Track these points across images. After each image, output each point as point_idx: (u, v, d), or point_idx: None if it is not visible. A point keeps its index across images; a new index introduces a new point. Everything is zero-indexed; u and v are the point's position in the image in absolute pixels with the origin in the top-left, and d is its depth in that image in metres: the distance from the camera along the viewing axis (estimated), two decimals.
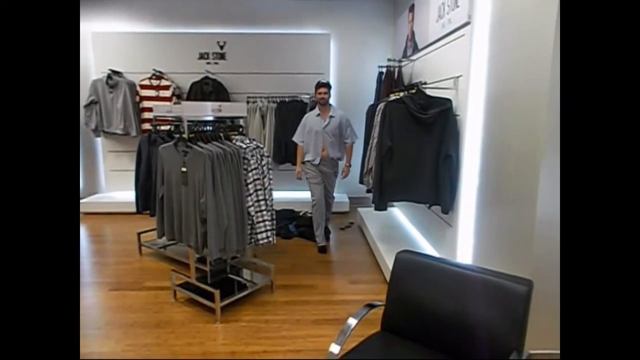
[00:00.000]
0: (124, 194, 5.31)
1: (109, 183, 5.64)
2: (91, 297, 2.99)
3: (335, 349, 1.61)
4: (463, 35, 2.79)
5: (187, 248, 2.74)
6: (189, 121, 2.64)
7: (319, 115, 3.81)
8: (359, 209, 4.80)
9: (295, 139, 3.91)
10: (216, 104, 2.79)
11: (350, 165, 3.91)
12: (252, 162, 2.70)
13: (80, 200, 5.31)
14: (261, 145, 2.86)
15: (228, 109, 2.90)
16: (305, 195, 5.03)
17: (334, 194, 4.16)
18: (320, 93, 3.76)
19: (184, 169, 2.53)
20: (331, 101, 6.23)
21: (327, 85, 3.79)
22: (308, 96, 5.17)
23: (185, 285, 2.89)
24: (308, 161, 3.84)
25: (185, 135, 2.56)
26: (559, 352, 2.02)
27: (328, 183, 3.94)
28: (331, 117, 3.79)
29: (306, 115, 3.93)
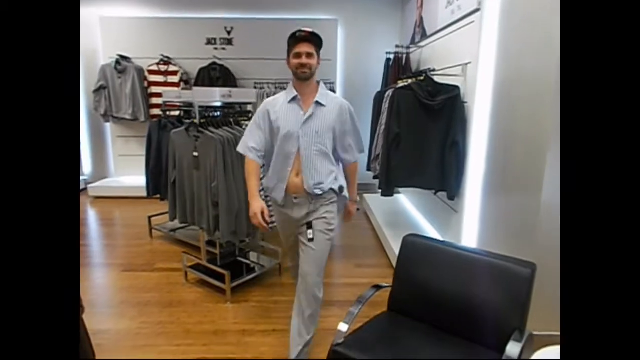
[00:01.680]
0: (133, 179, 5.39)
1: (118, 168, 5.72)
2: (104, 278, 3.09)
3: (343, 327, 1.68)
4: (472, 22, 2.78)
5: (197, 231, 2.82)
6: (198, 107, 2.68)
7: (294, 100, 1.91)
8: (365, 195, 4.85)
9: (240, 148, 2.00)
10: (226, 90, 2.83)
11: (357, 200, 2.14)
12: None
13: (90, 185, 5.41)
14: None
15: (238, 95, 2.94)
16: None
17: (322, 279, 1.96)
18: (298, 56, 1.84)
19: (195, 154, 2.59)
20: (337, 88, 6.12)
21: (313, 39, 1.87)
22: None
23: (196, 267, 2.97)
24: (263, 192, 2.10)
25: (196, 121, 2.60)
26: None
27: (304, 244, 1.93)
28: (318, 104, 1.90)
29: (266, 101, 2.00)
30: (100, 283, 3.01)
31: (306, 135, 1.89)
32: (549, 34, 1.95)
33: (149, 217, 3.98)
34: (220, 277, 2.75)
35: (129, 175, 5.60)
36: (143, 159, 3.81)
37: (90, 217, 4.69)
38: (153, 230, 3.96)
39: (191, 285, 2.94)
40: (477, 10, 2.69)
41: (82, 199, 5.20)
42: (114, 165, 5.76)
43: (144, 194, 3.82)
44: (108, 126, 5.64)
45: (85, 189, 5.45)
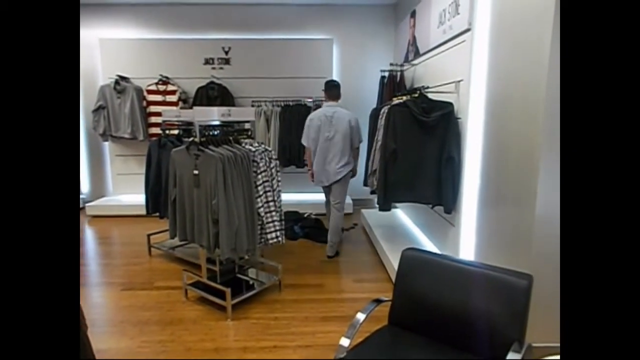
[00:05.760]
0: (131, 197, 5.41)
1: (116, 186, 5.73)
2: (104, 297, 3.08)
3: (345, 342, 1.69)
4: (464, 41, 2.88)
5: (196, 249, 2.84)
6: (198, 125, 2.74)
7: None
8: (363, 210, 4.88)
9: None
10: (225, 109, 2.88)
11: None
12: (261, 164, 2.79)
13: (88, 204, 5.42)
14: (269, 149, 2.96)
15: (237, 114, 2.99)
16: (310, 197, 5.14)
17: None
18: None
19: (196, 172, 2.63)
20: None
21: None
22: (311, 100, 5.28)
23: (196, 285, 2.98)
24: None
25: (197, 139, 2.65)
26: (558, 344, 2.10)
27: None
28: None
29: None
30: (100, 302, 3.00)
31: None
32: (537, 52, 2.03)
33: (148, 235, 3.98)
34: (220, 295, 2.76)
35: (127, 193, 5.61)
36: (141, 178, 3.83)
37: (88, 236, 4.68)
38: (152, 249, 3.96)
39: (191, 303, 2.93)
40: (467, 30, 2.79)
41: (80, 217, 5.20)
42: (112, 184, 5.78)
43: (142, 212, 3.84)
44: (106, 145, 5.67)
45: (83, 207, 5.45)
